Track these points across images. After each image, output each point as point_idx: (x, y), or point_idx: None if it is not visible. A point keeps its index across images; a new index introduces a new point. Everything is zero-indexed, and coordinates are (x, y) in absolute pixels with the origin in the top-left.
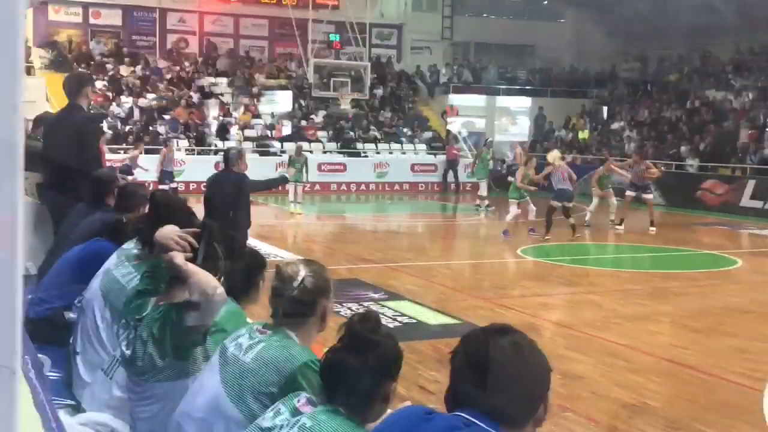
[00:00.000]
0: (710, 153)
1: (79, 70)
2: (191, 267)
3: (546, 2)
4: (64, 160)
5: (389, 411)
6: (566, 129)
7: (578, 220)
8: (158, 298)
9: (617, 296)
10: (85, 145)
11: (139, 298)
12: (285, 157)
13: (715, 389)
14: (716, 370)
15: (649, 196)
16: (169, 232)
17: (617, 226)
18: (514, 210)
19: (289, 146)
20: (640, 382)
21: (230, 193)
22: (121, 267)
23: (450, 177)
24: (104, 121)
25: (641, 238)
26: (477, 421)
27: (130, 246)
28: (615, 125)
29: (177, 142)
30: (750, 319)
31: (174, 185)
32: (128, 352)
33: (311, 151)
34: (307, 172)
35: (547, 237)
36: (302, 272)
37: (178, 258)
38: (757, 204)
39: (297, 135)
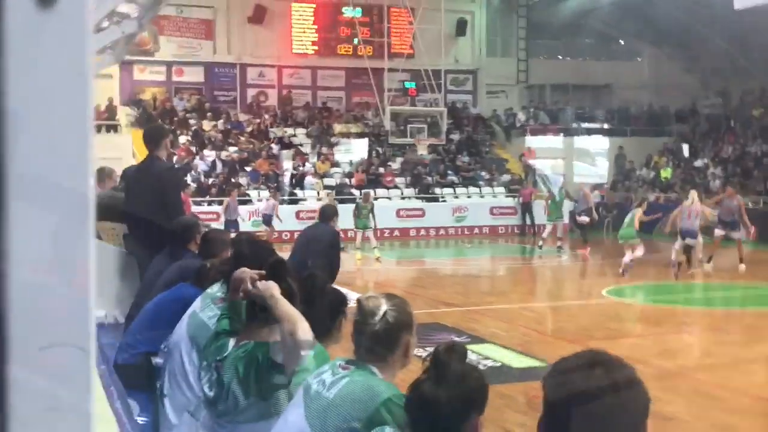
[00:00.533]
0: None
1: (158, 122)
2: (287, 307)
3: (622, 42)
4: (145, 210)
5: None
6: (647, 168)
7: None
8: (239, 337)
9: (709, 335)
10: (166, 193)
11: (218, 339)
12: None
13: None
14: None
15: (738, 234)
16: (242, 271)
17: (705, 264)
18: (629, 253)
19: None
20: (734, 422)
21: (323, 247)
22: (207, 310)
23: (527, 219)
24: (188, 174)
25: (731, 277)
26: None
27: (215, 289)
28: (698, 162)
29: (260, 192)
30: None
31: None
32: (211, 394)
33: (389, 198)
34: (374, 218)
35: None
36: (384, 306)
37: (276, 291)
38: None
39: (375, 182)
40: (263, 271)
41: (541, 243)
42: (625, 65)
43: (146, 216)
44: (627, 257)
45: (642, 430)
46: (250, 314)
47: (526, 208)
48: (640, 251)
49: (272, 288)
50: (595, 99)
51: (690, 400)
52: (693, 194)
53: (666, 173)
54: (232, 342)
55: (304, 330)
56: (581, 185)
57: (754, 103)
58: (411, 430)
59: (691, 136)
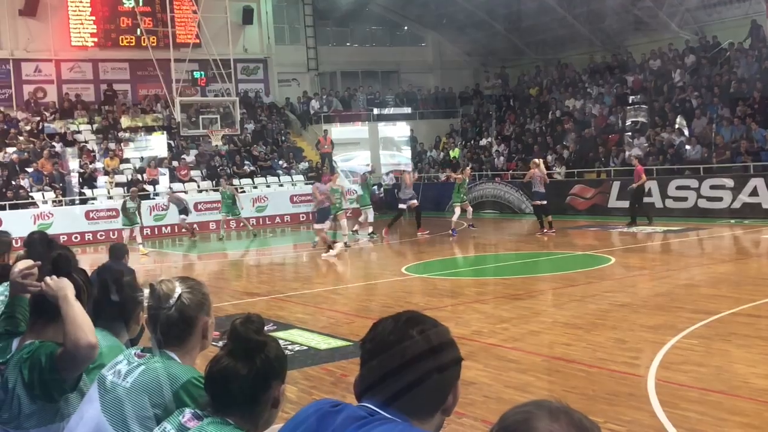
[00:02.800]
0: (575, 160)
1: None
2: (76, 310)
3: (406, 28)
4: None
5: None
6: (437, 149)
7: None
8: (23, 337)
9: (501, 302)
10: None
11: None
12: (163, 200)
13: (601, 380)
14: (600, 363)
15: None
16: (18, 269)
17: (547, 232)
18: (458, 211)
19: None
20: (529, 380)
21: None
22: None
23: None
24: None
25: (518, 246)
26: (382, 412)
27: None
28: (483, 141)
29: None
30: (627, 312)
31: None
32: None
33: (186, 192)
34: (140, 215)
35: (550, 231)
36: (178, 289)
37: (70, 291)
38: (623, 204)
39: (170, 176)
40: (39, 262)
41: (356, 228)
42: (411, 50)
43: None
44: (455, 217)
45: (455, 387)
46: (36, 311)
47: None
48: (457, 212)
49: (66, 287)
50: (384, 84)
51: (487, 364)
52: (539, 161)
53: (454, 153)
54: (16, 342)
55: (87, 339)
56: (403, 172)
57: (530, 83)
58: (213, 408)
59: (475, 117)
